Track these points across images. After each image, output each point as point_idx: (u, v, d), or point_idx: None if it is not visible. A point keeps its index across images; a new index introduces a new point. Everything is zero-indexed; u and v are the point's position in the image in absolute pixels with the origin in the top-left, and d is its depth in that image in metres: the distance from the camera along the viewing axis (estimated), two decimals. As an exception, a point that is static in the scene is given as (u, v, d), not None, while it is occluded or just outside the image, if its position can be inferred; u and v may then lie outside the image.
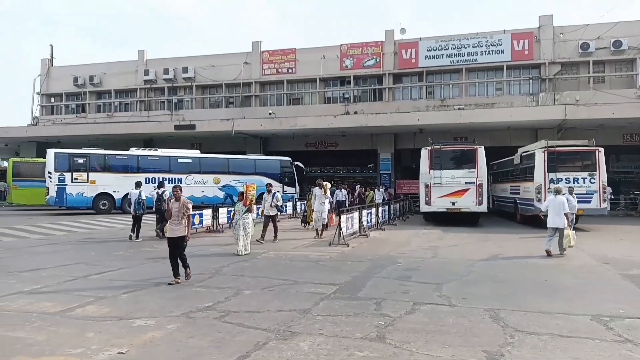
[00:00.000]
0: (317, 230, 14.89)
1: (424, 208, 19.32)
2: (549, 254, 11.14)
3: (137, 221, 13.99)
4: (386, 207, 19.61)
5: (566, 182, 16.93)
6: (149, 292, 7.41)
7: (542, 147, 17.94)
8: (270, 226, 13.74)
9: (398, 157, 30.88)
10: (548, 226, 11.60)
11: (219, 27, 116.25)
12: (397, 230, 17.24)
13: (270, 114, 29.30)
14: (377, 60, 30.91)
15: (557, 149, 17.65)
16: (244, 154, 28.76)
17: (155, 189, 15.24)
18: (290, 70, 32.67)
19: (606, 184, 17.52)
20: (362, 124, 26.44)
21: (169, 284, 7.86)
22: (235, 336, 5.26)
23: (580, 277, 8.79)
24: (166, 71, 34.29)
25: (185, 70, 33.93)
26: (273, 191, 13.91)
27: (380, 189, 24.46)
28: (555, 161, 17.39)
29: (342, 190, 19.75)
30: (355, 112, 28.36)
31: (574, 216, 13.70)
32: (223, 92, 34.07)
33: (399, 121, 26.07)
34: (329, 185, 15.43)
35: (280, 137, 31.55)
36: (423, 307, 6.51)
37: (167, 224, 8.52)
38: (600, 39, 26.79)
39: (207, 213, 16.30)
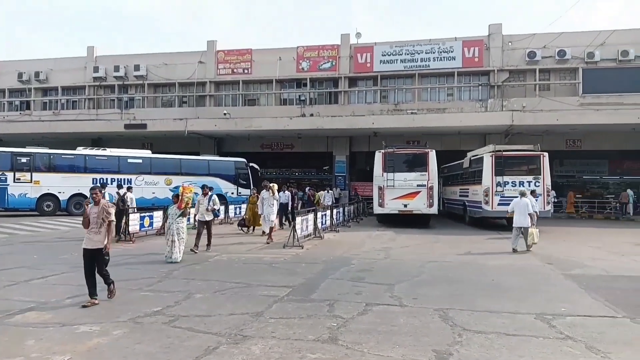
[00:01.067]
0: (264, 232, 14.46)
1: (377, 210, 19.62)
2: (515, 251, 12.38)
3: None
4: (341, 209, 19.79)
5: (512, 186, 17.64)
6: (95, 297, 7.13)
7: (490, 152, 18.55)
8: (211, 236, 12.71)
9: (353, 159, 31.19)
10: (514, 226, 12.79)
11: (174, 26, 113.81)
12: (351, 232, 17.41)
13: (225, 114, 28.92)
14: (333, 63, 31.13)
15: (504, 153, 18.29)
16: (198, 154, 28.28)
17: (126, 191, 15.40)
18: (246, 71, 32.36)
19: (550, 188, 18.35)
20: (318, 126, 26.55)
21: (83, 306, 6.48)
22: (185, 341, 5.15)
23: (525, 277, 9.15)
24: (117, 68, 33.17)
25: (137, 68, 32.92)
26: (210, 194, 12.64)
27: (331, 191, 24.35)
28: (503, 165, 18.03)
29: (286, 192, 18.68)
30: (312, 115, 28.43)
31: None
32: (176, 91, 33.28)
33: (354, 124, 26.36)
34: (276, 186, 14.96)
35: (235, 138, 31.20)
36: (375, 307, 6.59)
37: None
38: (546, 48, 27.99)
39: (158, 215, 15.90)
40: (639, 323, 5.94)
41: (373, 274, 9.19)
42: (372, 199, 20.57)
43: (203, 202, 12.38)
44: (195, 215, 13.04)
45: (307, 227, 14.25)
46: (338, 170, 30.13)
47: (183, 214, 10.78)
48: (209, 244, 12.28)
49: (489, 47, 29.04)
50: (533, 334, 5.49)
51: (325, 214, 16.76)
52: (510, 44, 28.84)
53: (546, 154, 18.12)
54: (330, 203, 21.22)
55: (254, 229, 16.42)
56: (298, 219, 13.36)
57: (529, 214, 12.58)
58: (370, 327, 5.66)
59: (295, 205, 19.82)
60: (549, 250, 12.74)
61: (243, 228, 16.65)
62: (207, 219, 12.35)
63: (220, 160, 27.53)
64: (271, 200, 14.41)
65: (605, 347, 5.04)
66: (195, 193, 11.92)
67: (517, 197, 13.20)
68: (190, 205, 11.18)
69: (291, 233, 12.95)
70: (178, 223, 10.62)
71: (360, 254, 11.82)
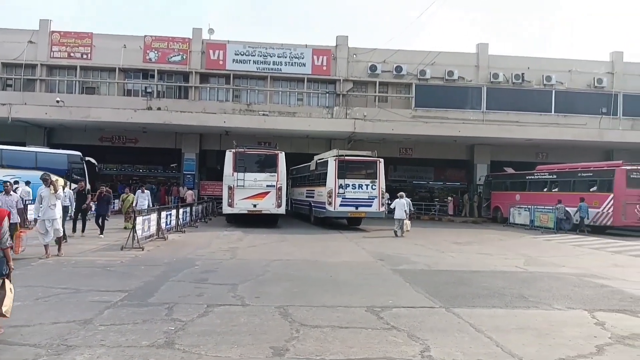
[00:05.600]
0: (45, 246, 10.54)
1: (226, 210, 19.48)
2: (396, 234, 17.13)
3: None
4: (188, 209, 19.16)
5: (352, 188, 18.94)
6: None
7: (334, 156, 19.67)
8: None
9: (203, 157, 30.47)
10: (395, 218, 17.30)
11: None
12: (198, 233, 16.99)
13: (58, 101, 26.02)
14: (184, 57, 30.04)
15: (346, 158, 19.54)
16: (24, 145, 24.97)
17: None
18: (85, 56, 29.52)
19: (384, 191, 20.07)
20: (166, 121, 25.40)
21: None
22: (-6, 356, 4.53)
23: (360, 273, 9.87)
24: None
25: (-52, 41, 28.02)
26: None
27: (147, 191, 18.95)
28: (345, 169, 19.23)
29: (66, 190, 14.33)
30: (159, 108, 27.05)
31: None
32: (0, 72, 29.05)
33: (205, 121, 25.81)
34: (61, 181, 11.52)
35: (69, 129, 28.24)
36: (216, 308, 6.53)
37: None
38: (385, 63, 30.50)
39: None
40: (452, 312, 6.78)
41: (217, 275, 9.10)
42: (222, 199, 20.34)
43: None
44: None
45: (149, 227, 13.49)
46: (187, 169, 29.16)
47: None
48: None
49: (336, 57, 30.69)
50: (363, 326, 5.92)
51: (170, 214, 16.07)
52: (355, 56, 30.86)
53: (382, 160, 19.82)
54: (145, 207, 16.48)
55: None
56: (139, 219, 12.58)
57: (405, 210, 17.18)
58: (210, 329, 5.59)
59: (87, 206, 14.85)
60: (380, 248, 13.94)
61: None
62: None
63: (50, 153, 24.55)
64: (53, 200, 10.67)
65: (424, 334, 5.64)
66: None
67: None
68: None
69: (130, 234, 12.15)
70: None
71: (206, 255, 11.61)
